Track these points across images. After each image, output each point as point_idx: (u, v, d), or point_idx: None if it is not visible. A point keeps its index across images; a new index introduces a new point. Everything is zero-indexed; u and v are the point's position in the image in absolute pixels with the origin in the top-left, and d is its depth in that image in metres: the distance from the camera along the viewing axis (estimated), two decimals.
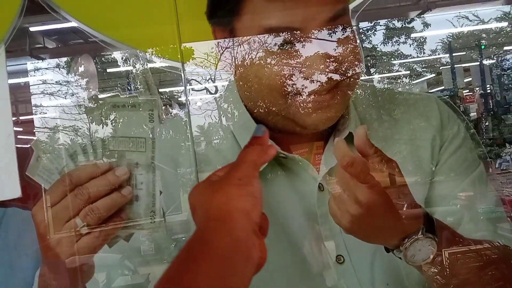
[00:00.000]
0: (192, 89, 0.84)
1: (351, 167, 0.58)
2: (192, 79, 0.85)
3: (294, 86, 0.67)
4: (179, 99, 0.84)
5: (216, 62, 0.78)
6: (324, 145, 0.74)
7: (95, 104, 0.64)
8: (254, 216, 0.50)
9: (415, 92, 0.90)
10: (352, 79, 0.69)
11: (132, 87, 0.70)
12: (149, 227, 0.65)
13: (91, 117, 0.64)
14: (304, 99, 0.68)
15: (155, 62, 0.82)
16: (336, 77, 0.67)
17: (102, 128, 0.64)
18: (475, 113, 5.81)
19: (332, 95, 0.68)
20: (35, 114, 0.79)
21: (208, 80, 0.86)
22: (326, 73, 0.66)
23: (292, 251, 0.72)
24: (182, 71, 0.78)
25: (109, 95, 0.65)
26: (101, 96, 0.64)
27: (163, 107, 0.68)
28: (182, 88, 0.81)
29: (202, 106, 0.82)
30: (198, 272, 0.43)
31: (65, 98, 0.81)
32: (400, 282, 0.73)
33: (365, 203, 0.58)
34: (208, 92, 0.84)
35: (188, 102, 0.79)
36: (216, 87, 0.83)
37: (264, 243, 0.50)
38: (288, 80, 0.67)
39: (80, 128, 0.65)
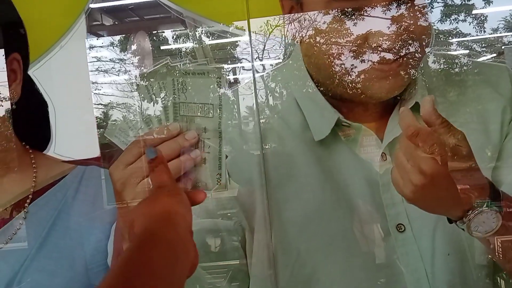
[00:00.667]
0: (243, 68, 0.84)
1: (416, 137, 0.57)
2: (243, 58, 0.85)
3: (360, 55, 0.66)
4: (231, 77, 0.85)
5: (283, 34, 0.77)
6: (389, 115, 0.73)
7: (168, 71, 0.66)
8: (189, 220, 0.56)
9: (486, 62, 0.85)
10: (420, 49, 0.67)
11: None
12: (216, 188, 0.67)
13: (163, 83, 0.66)
14: (370, 68, 0.66)
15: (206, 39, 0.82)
16: (403, 46, 0.65)
17: (174, 94, 0.66)
18: None
19: (399, 64, 0.66)
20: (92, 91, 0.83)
21: (255, 59, 0.85)
22: (394, 41, 0.65)
23: (352, 217, 0.72)
24: (250, 44, 0.78)
25: (180, 62, 0.66)
26: (173, 63, 0.66)
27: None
28: (238, 65, 0.81)
29: (252, 86, 0.81)
30: (149, 259, 0.46)
31: (118, 75, 0.84)
32: (462, 253, 0.71)
33: (429, 173, 0.57)
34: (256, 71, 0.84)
35: (254, 76, 0.78)
36: (263, 65, 0.82)
37: (197, 249, 0.55)
38: (354, 50, 0.66)
39: (132, 106, 0.68)
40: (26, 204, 0.80)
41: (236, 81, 0.85)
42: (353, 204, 0.73)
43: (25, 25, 0.79)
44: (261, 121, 0.77)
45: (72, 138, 0.84)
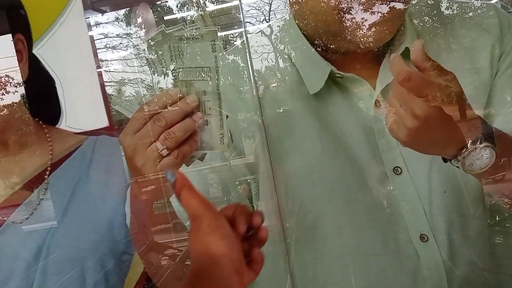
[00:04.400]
0: (249, 33, 0.81)
1: (408, 81, 0.55)
2: (247, 22, 0.82)
3: (347, 2, 0.63)
4: (235, 42, 0.81)
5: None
6: (380, 62, 0.71)
7: (164, 38, 0.65)
8: (234, 256, 0.49)
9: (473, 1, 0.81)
10: None
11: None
12: (219, 147, 0.67)
13: (161, 52, 0.65)
14: (357, 16, 0.64)
15: (207, 7, 0.79)
16: None
17: (172, 60, 0.65)
18: None
19: (386, 11, 0.63)
20: (101, 68, 0.81)
21: (262, 21, 0.82)
22: None
23: (350, 164, 0.72)
24: (241, 10, 0.75)
25: (175, 28, 0.64)
26: (168, 31, 0.64)
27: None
28: (239, 30, 0.78)
29: (258, 50, 0.79)
30: None
31: (126, 50, 0.81)
32: (458, 190, 0.71)
33: (422, 116, 0.56)
34: (263, 34, 0.80)
35: (247, 44, 0.76)
36: (271, 27, 0.79)
37: (249, 275, 0.52)
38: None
39: (144, 80, 0.66)
40: (45, 176, 0.80)
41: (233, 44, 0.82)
42: (351, 152, 0.72)
43: (24, 5, 0.77)
44: (273, 85, 0.76)
45: (81, 111, 0.84)
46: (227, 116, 0.66)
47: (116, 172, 0.79)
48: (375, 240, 0.72)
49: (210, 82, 0.65)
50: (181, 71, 0.65)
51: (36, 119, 0.83)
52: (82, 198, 0.80)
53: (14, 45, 0.76)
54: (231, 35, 0.87)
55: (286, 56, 0.75)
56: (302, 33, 0.72)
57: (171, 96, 0.64)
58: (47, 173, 0.80)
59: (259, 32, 0.80)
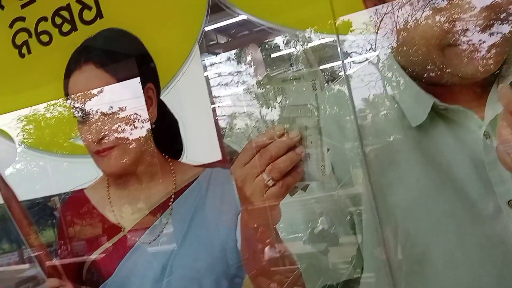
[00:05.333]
0: (353, 62, 0.82)
1: None
2: (352, 52, 0.83)
3: (455, 37, 0.62)
4: (340, 73, 0.83)
5: (376, 31, 0.75)
6: (487, 92, 0.67)
7: (269, 81, 0.70)
8: None
9: None
10: None
11: (294, 68, 0.73)
12: (321, 178, 0.69)
13: (265, 91, 0.70)
14: (462, 48, 0.62)
15: (313, 41, 0.82)
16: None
17: (276, 98, 0.70)
18: None
19: (491, 42, 0.60)
20: (215, 104, 0.89)
21: (368, 50, 0.82)
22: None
23: (459, 197, 0.68)
24: (338, 45, 0.77)
25: (278, 72, 0.70)
26: (272, 74, 0.70)
27: (325, 83, 0.69)
28: (337, 63, 0.80)
29: (365, 78, 0.79)
30: None
31: (237, 87, 0.88)
32: None
33: None
34: (370, 63, 0.80)
35: (346, 74, 0.77)
36: (378, 56, 0.80)
37: None
38: (453, 32, 0.61)
39: (253, 113, 0.71)
40: (170, 203, 0.91)
41: (336, 78, 0.84)
42: (459, 184, 0.68)
43: (152, 56, 0.90)
44: (382, 113, 0.76)
45: (199, 146, 0.93)
46: (328, 150, 0.69)
47: (228, 200, 0.86)
48: (489, 275, 0.66)
49: (311, 118, 0.69)
50: (285, 109, 0.70)
51: (163, 154, 0.95)
52: (200, 223, 0.89)
53: (146, 93, 0.90)
54: (337, 67, 0.89)
55: (394, 84, 0.75)
56: (401, 66, 0.72)
57: (276, 132, 0.68)
58: (171, 200, 0.91)
59: (365, 61, 0.81)
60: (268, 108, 0.70)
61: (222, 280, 0.87)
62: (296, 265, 0.78)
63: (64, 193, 1.02)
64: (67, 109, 0.99)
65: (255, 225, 0.75)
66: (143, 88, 0.89)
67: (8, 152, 1.09)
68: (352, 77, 0.79)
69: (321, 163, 0.69)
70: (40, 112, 1.08)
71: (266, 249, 0.77)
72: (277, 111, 0.69)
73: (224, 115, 0.91)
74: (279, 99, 0.69)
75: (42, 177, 1.11)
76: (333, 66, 0.88)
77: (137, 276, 0.90)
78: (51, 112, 1.06)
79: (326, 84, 0.71)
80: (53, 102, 1.05)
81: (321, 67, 0.69)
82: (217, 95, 0.97)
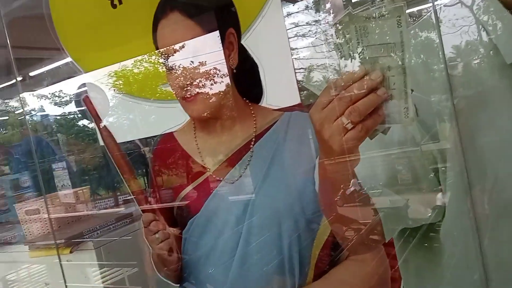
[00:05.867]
0: (444, 5, 0.74)
1: None
2: None
3: None
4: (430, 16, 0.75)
5: None
6: None
7: (350, 20, 0.68)
8: None
9: None
10: None
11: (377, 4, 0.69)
12: (403, 121, 0.67)
13: (348, 35, 0.68)
14: None
15: None
16: None
17: (358, 43, 0.67)
18: None
19: None
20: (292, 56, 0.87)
21: None
22: None
23: None
24: None
25: (361, 9, 0.67)
26: (354, 12, 0.67)
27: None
28: (426, 6, 0.73)
29: (457, 23, 0.72)
30: None
31: (315, 37, 0.85)
32: None
33: None
34: (462, 5, 0.72)
35: (436, 18, 0.70)
36: None
37: None
38: None
39: (331, 65, 0.69)
40: (251, 146, 0.95)
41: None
42: None
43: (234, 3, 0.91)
44: (475, 61, 0.70)
45: (278, 90, 0.95)
46: (412, 91, 0.66)
47: (307, 143, 0.88)
48: None
49: (395, 58, 0.66)
50: (366, 50, 0.67)
51: (244, 98, 0.98)
52: (279, 165, 0.92)
53: (227, 38, 0.92)
54: (426, 9, 0.82)
55: (490, 28, 0.68)
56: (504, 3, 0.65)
57: (356, 74, 0.66)
58: (252, 143, 0.95)
59: (458, 3, 0.74)
60: (348, 59, 0.68)
61: (301, 221, 0.90)
62: (375, 212, 0.78)
63: (156, 135, 1.11)
64: (157, 60, 1.05)
65: (333, 169, 0.76)
66: (224, 34, 0.91)
67: (104, 103, 1.19)
68: (443, 22, 0.73)
69: (404, 105, 0.66)
70: (130, 66, 1.14)
71: (344, 193, 0.78)
72: (357, 62, 0.67)
73: (301, 68, 0.91)
74: (360, 48, 0.67)
75: (135, 122, 1.20)
76: (420, 10, 0.81)
77: (221, 213, 0.96)
78: (143, 65, 1.12)
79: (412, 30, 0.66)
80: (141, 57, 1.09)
81: (408, 11, 0.64)
82: (293, 46, 0.96)
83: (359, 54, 0.68)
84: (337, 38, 0.68)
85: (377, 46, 0.67)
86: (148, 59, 1.07)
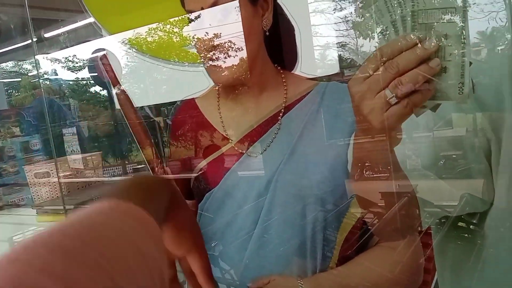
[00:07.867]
0: None
1: None
2: None
3: None
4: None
5: None
6: None
7: None
8: None
9: None
10: None
11: None
12: (456, 98, 0.61)
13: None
14: None
15: None
16: None
17: (413, 1, 0.61)
18: None
19: None
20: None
21: None
22: None
23: None
24: None
25: None
26: None
27: None
28: None
29: (485, 8, 0.67)
30: None
31: (333, 14, 0.79)
32: None
33: None
34: None
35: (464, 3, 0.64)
36: None
37: None
38: None
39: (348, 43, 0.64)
40: (279, 117, 0.90)
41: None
42: None
43: None
44: (499, 47, 0.65)
45: (314, 58, 0.89)
46: (470, 63, 0.60)
47: (343, 118, 0.82)
48: None
49: (453, 24, 0.60)
50: (421, 13, 0.62)
51: (275, 65, 0.93)
52: (309, 140, 0.87)
53: None
54: None
55: None
56: None
57: (407, 41, 0.61)
58: (281, 114, 0.90)
59: None
60: (366, 39, 0.62)
61: (328, 199, 0.85)
62: (412, 197, 0.74)
63: (176, 101, 1.07)
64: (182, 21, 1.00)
65: (370, 148, 0.72)
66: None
67: (121, 65, 1.15)
68: (470, 6, 0.67)
69: (459, 80, 0.60)
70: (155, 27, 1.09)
71: (379, 175, 0.74)
72: (374, 42, 0.61)
73: (317, 46, 0.85)
74: (416, 3, 0.61)
75: (154, 85, 1.17)
76: None
77: (241, 187, 0.92)
78: (167, 27, 1.07)
79: None
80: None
81: None
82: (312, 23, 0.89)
83: (411, 19, 0.62)
84: (356, 17, 0.63)
85: (434, 11, 0.61)
86: (174, 21, 1.02)
